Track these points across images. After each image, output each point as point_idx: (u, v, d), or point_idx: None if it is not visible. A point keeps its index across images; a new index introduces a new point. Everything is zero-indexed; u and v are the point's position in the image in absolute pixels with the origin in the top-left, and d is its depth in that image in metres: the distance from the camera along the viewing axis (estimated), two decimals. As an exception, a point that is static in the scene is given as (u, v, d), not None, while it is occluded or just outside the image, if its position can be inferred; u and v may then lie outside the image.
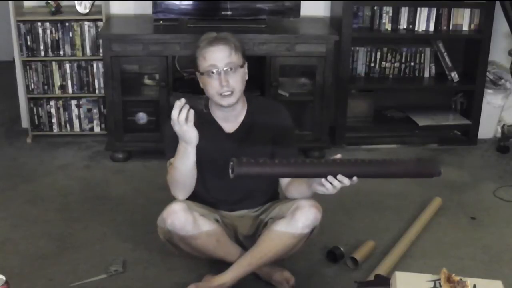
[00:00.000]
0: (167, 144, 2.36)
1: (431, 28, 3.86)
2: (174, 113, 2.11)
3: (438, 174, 2.08)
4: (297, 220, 2.31)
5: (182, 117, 2.11)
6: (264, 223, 2.46)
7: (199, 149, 2.32)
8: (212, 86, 2.30)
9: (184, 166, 2.26)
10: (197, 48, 2.33)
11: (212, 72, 2.28)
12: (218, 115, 2.42)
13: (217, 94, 2.31)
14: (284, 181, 2.43)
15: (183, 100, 2.11)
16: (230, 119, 2.42)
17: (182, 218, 2.29)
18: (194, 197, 2.51)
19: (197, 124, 2.35)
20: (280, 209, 2.41)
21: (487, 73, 3.99)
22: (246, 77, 2.39)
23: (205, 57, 2.29)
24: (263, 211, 2.51)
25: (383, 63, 3.99)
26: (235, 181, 2.34)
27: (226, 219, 2.51)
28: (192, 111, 2.13)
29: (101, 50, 3.68)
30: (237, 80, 2.31)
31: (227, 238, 2.43)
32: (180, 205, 2.32)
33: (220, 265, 2.45)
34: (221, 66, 2.28)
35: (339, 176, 2.06)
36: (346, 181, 2.06)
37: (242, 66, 2.33)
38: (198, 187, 2.45)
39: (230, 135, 2.42)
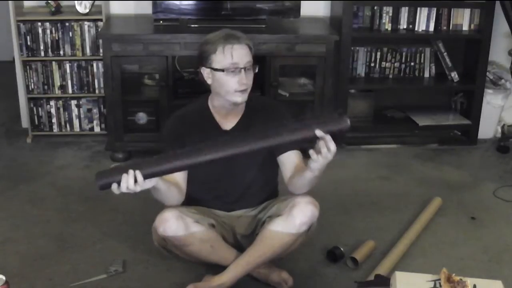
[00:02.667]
0: (164, 146, 2.37)
1: (431, 28, 3.86)
2: (123, 186, 2.03)
3: (346, 127, 2.03)
4: (294, 217, 2.31)
5: (130, 185, 2.02)
6: (262, 222, 2.45)
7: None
8: (230, 83, 2.30)
9: (159, 194, 2.25)
10: (212, 44, 2.31)
11: (232, 71, 2.29)
12: (219, 112, 2.42)
13: (233, 91, 2.31)
14: (287, 175, 2.42)
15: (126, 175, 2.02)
16: (230, 116, 2.43)
17: (174, 226, 2.29)
18: (191, 198, 2.51)
19: (195, 121, 2.41)
20: (277, 208, 2.41)
21: (487, 73, 3.99)
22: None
23: (227, 54, 2.28)
24: (261, 210, 2.51)
25: (383, 63, 3.99)
26: (233, 178, 2.38)
27: (224, 219, 2.50)
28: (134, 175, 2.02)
29: (101, 50, 3.69)
30: (252, 78, 2.35)
31: (221, 243, 2.43)
32: (171, 212, 2.31)
33: (219, 265, 2.45)
34: (243, 65, 2.30)
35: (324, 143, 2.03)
36: (332, 147, 2.04)
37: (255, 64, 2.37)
38: (195, 186, 2.46)
39: (227, 133, 2.42)
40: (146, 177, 2.02)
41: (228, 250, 2.44)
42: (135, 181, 2.01)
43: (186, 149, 2.07)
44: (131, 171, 2.00)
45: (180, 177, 2.37)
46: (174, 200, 2.34)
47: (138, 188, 2.03)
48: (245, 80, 2.30)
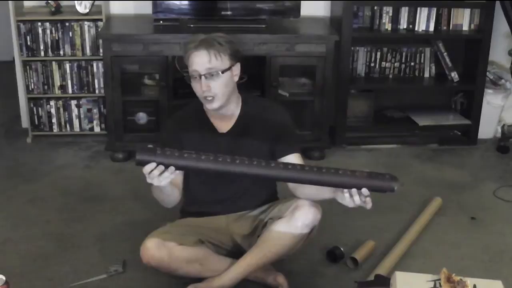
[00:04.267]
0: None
1: (431, 28, 3.86)
2: (147, 168, 2.09)
3: (391, 190, 2.08)
4: (296, 219, 2.30)
5: (154, 173, 2.08)
6: (263, 223, 2.45)
7: (193, 149, 2.34)
8: (196, 90, 2.33)
9: (161, 195, 2.29)
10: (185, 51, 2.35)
11: (195, 77, 2.30)
12: (212, 115, 2.42)
13: (201, 97, 2.33)
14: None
15: (173, 168, 2.08)
16: (225, 119, 2.42)
17: (156, 256, 2.29)
18: (191, 199, 2.53)
19: (192, 124, 2.41)
20: (279, 209, 2.40)
21: (487, 73, 3.99)
22: (236, 79, 2.37)
23: (189, 61, 2.31)
24: (262, 212, 2.50)
25: (383, 63, 3.99)
26: (232, 179, 2.37)
27: (221, 221, 2.49)
28: (170, 171, 2.09)
29: (101, 50, 3.68)
30: (220, 85, 2.30)
31: (211, 257, 2.40)
32: (153, 242, 2.31)
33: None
34: (202, 71, 2.28)
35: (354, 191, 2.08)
36: (365, 198, 2.10)
37: (227, 70, 2.30)
38: (195, 187, 2.47)
39: (224, 135, 2.42)
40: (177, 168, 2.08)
41: (220, 262, 2.42)
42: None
43: (222, 156, 2.09)
44: (169, 169, 2.07)
45: (180, 180, 2.39)
46: (172, 201, 2.37)
47: (162, 183, 2.10)
48: (205, 87, 2.28)
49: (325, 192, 2.23)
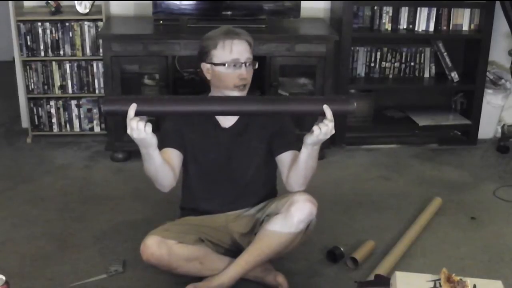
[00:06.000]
0: (164, 140, 2.37)
1: (431, 28, 3.86)
2: (133, 123, 2.03)
3: (352, 109, 2.12)
4: (292, 215, 2.30)
5: (140, 125, 2.03)
6: (260, 221, 2.45)
7: (194, 143, 2.38)
8: (230, 78, 2.33)
9: (153, 167, 2.24)
10: (212, 39, 2.36)
11: (235, 65, 2.33)
12: None
13: (232, 86, 2.34)
14: (285, 174, 2.42)
15: (134, 105, 2.03)
16: None
17: (157, 253, 2.30)
18: (190, 198, 2.53)
19: (194, 118, 2.40)
20: (276, 206, 2.41)
21: (487, 73, 3.99)
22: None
23: (229, 49, 2.33)
24: (260, 209, 2.50)
25: (383, 63, 3.99)
26: (231, 178, 2.39)
27: (221, 220, 2.49)
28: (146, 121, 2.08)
29: (101, 50, 3.69)
30: (251, 74, 2.38)
31: (211, 256, 2.41)
32: (153, 239, 2.31)
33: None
34: (243, 60, 2.34)
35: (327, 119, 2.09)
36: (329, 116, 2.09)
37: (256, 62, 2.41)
38: (194, 183, 2.47)
39: (226, 130, 2.43)
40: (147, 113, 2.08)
41: (220, 261, 2.42)
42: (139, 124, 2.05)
43: (185, 96, 2.17)
44: (136, 119, 2.02)
45: (175, 162, 2.36)
46: (166, 180, 2.31)
47: (142, 135, 2.05)
48: (246, 75, 2.34)
49: (298, 157, 2.28)
